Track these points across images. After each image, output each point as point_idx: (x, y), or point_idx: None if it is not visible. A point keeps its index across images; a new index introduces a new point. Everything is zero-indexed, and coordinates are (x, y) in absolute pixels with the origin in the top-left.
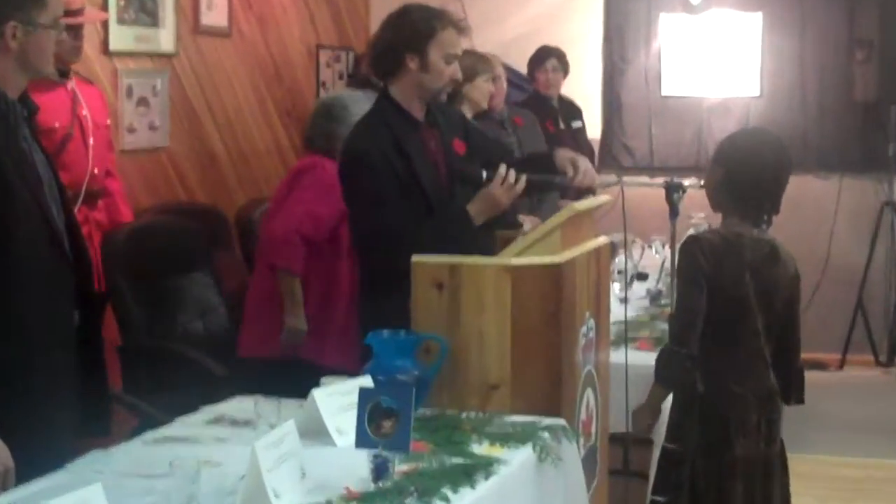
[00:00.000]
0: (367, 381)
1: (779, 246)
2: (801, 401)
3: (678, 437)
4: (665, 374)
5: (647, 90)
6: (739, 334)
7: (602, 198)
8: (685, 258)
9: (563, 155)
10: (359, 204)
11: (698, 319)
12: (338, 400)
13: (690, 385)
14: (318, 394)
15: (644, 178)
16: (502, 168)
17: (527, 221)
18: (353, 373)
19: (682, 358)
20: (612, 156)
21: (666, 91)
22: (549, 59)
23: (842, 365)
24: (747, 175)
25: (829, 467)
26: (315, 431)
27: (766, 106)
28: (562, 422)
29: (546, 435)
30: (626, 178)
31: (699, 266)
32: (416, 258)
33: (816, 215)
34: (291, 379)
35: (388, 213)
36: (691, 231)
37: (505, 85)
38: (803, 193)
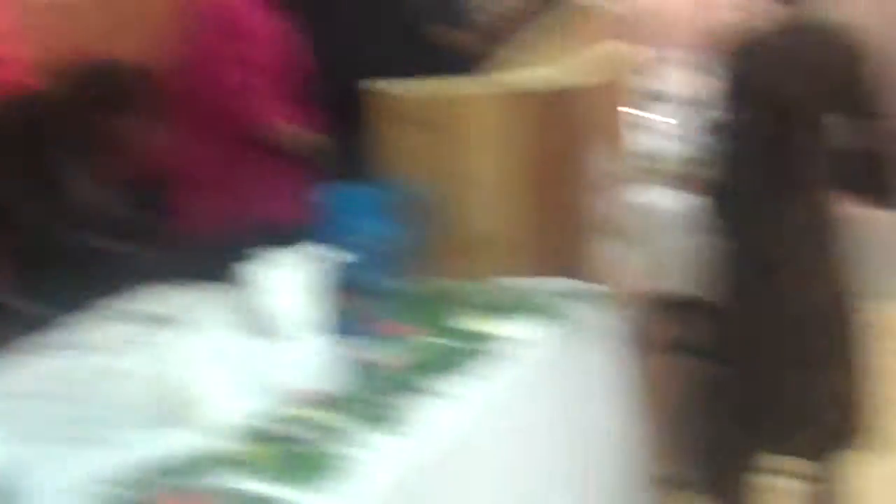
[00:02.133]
0: (322, 250)
1: (828, 25)
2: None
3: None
4: None
5: None
6: (783, 145)
7: None
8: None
9: None
10: None
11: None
12: (284, 278)
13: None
14: (254, 273)
15: None
16: None
17: None
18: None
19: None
20: None
21: None
22: None
23: None
24: None
25: None
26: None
27: None
28: (587, 284)
29: (570, 302)
30: None
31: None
32: (376, 86)
33: None
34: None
35: None
36: None
37: None
38: None
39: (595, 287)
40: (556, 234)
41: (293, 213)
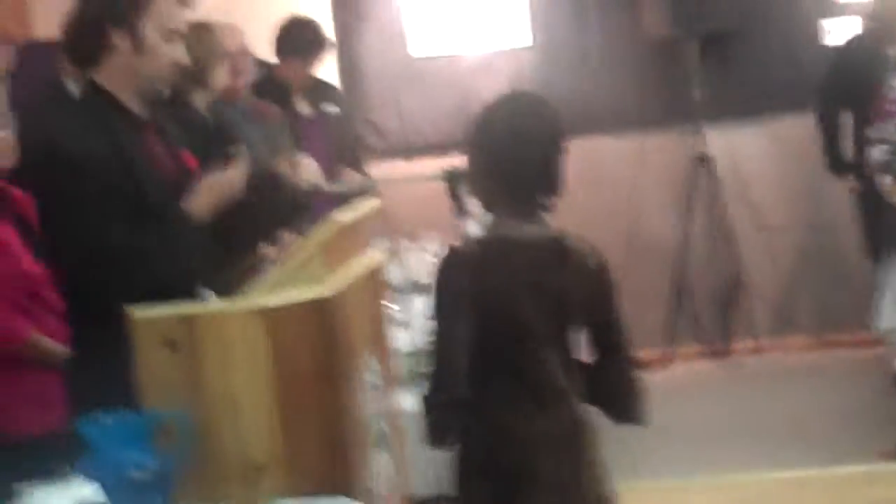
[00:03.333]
0: (87, 488)
1: (565, 239)
2: (640, 420)
3: (465, 498)
4: (430, 432)
5: (392, 53)
6: (519, 363)
7: (369, 203)
8: (440, 280)
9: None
10: (67, 216)
11: (458, 356)
12: None
13: (458, 437)
14: None
15: (399, 163)
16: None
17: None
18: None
19: (438, 407)
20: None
21: (415, 52)
22: None
23: (667, 362)
24: (504, 158)
25: (671, 496)
26: None
27: (540, 58)
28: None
29: None
30: (381, 169)
31: (458, 288)
32: (134, 312)
33: (615, 184)
34: None
35: (109, 227)
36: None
37: (250, 66)
38: (597, 159)
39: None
40: (323, 451)
41: (42, 424)
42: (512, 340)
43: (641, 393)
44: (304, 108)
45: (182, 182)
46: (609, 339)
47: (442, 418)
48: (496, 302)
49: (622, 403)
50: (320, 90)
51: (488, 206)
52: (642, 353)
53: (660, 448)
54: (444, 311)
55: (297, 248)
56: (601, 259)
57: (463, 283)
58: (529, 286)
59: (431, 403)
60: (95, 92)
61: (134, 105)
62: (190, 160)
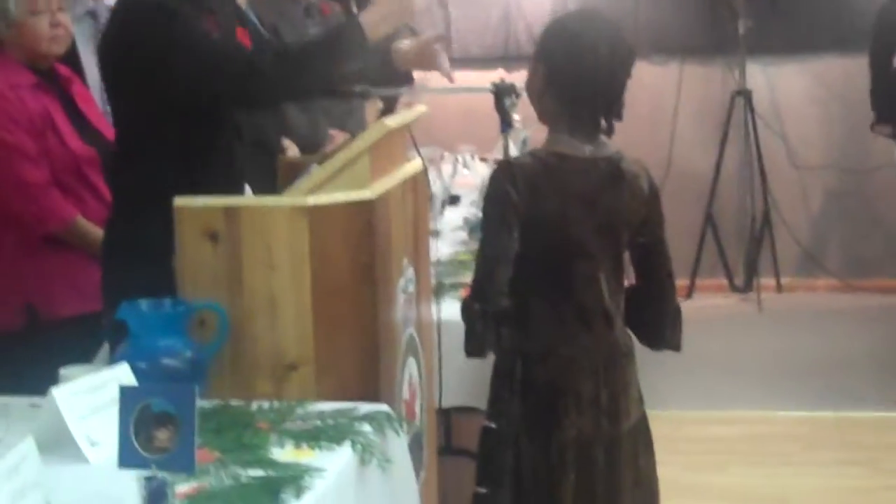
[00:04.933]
0: (122, 371)
1: (621, 161)
2: (676, 346)
3: (498, 414)
4: (468, 341)
5: None
6: (568, 281)
7: (418, 108)
8: (491, 191)
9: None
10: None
11: (502, 268)
12: (86, 399)
13: (496, 348)
14: (59, 393)
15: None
16: None
17: (337, 137)
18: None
19: (476, 316)
20: None
21: None
22: None
23: (690, 292)
24: (573, 73)
25: (691, 426)
26: (59, 443)
27: None
28: (384, 408)
29: (366, 427)
30: (422, 78)
31: (509, 201)
32: (178, 201)
33: (653, 111)
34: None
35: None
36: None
37: None
38: (636, 84)
39: (396, 410)
40: (356, 356)
41: (78, 307)
42: (561, 258)
43: (678, 320)
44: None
45: None
46: (652, 262)
47: (481, 329)
48: (548, 218)
49: (659, 329)
50: None
51: (549, 121)
52: None
53: (671, 377)
54: (492, 222)
55: (345, 147)
56: (654, 183)
57: (514, 197)
58: (583, 204)
59: (471, 313)
60: None
61: None
62: (243, 37)
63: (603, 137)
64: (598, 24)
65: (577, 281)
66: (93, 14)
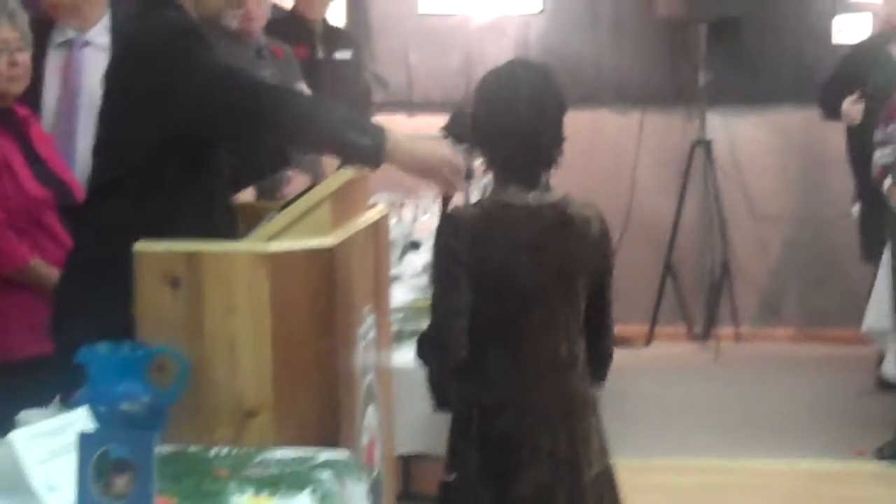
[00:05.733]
0: (81, 415)
1: (569, 205)
2: (601, 379)
3: (456, 465)
4: (431, 395)
5: (401, 8)
6: (523, 331)
7: None
8: (436, 245)
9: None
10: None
11: (455, 321)
12: (45, 443)
13: (451, 401)
14: (17, 438)
15: (401, 117)
16: None
17: (295, 177)
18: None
19: (437, 372)
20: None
21: (424, 9)
22: None
23: (649, 340)
24: (494, 128)
25: (647, 475)
26: (16, 488)
27: (548, 25)
28: (344, 455)
29: (326, 475)
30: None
31: (452, 254)
32: (139, 245)
33: (614, 159)
34: None
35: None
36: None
37: (267, 4)
38: (597, 132)
39: (356, 456)
40: (316, 402)
41: (35, 349)
42: (515, 307)
43: (609, 361)
44: (319, 51)
45: None
46: (595, 302)
47: (441, 382)
48: (496, 268)
49: (592, 364)
50: (335, 36)
51: (490, 171)
52: (626, 329)
53: (629, 425)
54: (442, 275)
55: (306, 195)
56: (606, 226)
57: (461, 249)
58: (531, 252)
59: (430, 368)
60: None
61: None
62: None
63: (548, 184)
64: (523, 77)
65: (533, 330)
66: (69, 45)
